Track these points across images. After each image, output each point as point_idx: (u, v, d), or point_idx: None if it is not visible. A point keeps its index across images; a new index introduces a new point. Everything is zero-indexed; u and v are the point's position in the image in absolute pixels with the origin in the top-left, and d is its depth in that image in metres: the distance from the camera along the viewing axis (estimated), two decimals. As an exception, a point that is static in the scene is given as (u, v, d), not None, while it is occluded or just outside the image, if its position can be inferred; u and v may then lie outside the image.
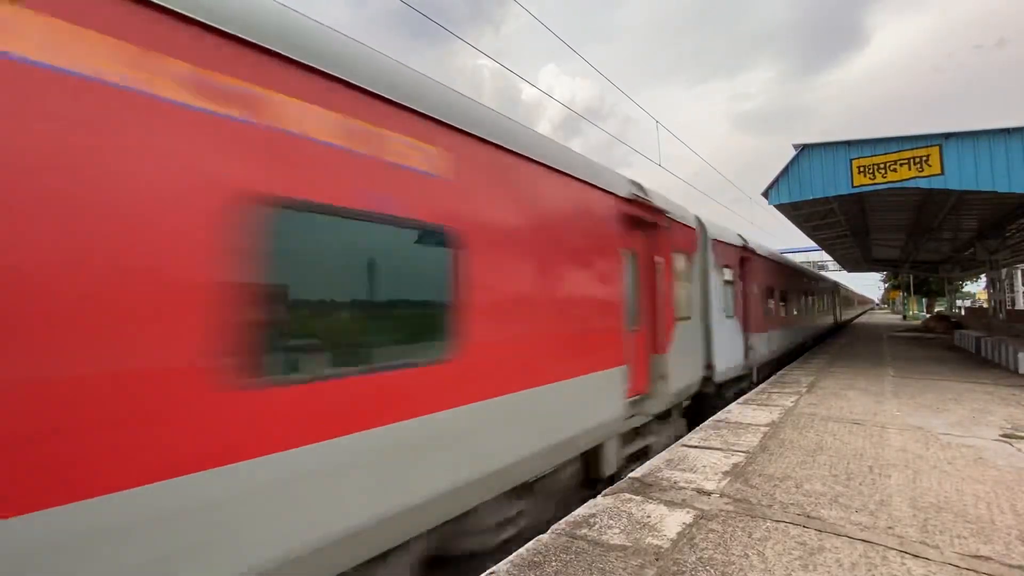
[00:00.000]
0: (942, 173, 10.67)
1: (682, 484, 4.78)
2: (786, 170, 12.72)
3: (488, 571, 3.29)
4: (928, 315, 45.07)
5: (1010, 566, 3.28)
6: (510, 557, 3.45)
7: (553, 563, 3.33)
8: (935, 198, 14.38)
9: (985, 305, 31.62)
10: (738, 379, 10.64)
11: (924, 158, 10.80)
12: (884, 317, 62.40)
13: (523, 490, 4.28)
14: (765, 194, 13.16)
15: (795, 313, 17.12)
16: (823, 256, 43.22)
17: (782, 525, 3.88)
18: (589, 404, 5.01)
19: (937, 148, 10.69)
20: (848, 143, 11.84)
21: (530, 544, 3.62)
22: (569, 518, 4.04)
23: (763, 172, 18.56)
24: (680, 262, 7.58)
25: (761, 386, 10.55)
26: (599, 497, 4.49)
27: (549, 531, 3.82)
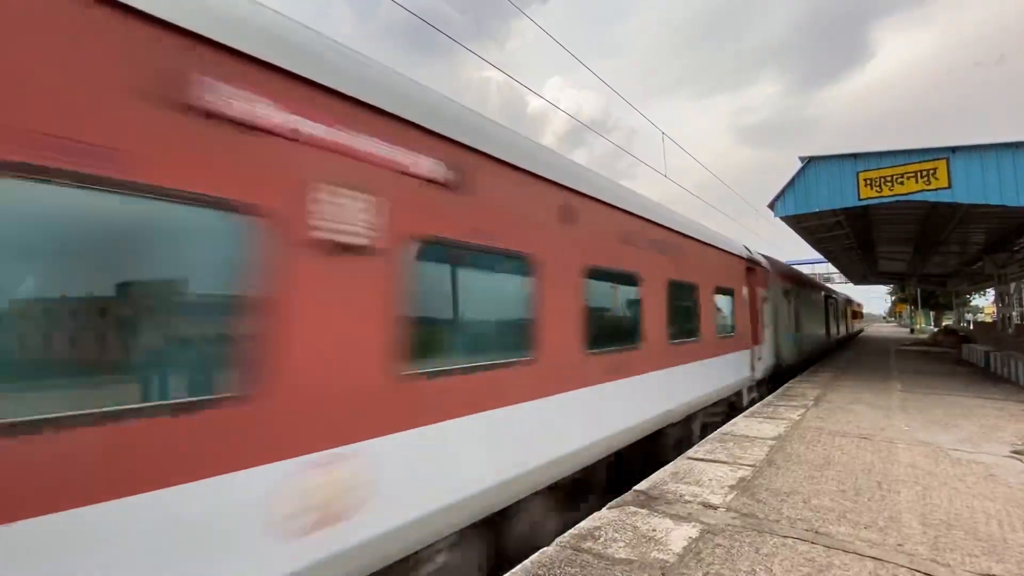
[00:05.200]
0: (949, 187, 10.64)
1: (688, 497, 4.73)
2: (792, 182, 12.72)
3: (492, 583, 3.26)
4: (936, 329, 44.68)
5: (1023, 586, 3.22)
6: (514, 569, 3.42)
7: (558, 576, 3.30)
8: (942, 211, 14.32)
9: (991, 319, 31.31)
10: None
11: (931, 171, 10.78)
12: (891, 331, 61.87)
13: None
14: (771, 206, 13.15)
15: None
16: (829, 268, 43.01)
17: (790, 541, 3.83)
18: None
19: (944, 161, 10.68)
20: (855, 156, 11.84)
21: (534, 556, 3.59)
22: (574, 531, 4.01)
23: (766, 184, 18.52)
24: None
25: (767, 399, 10.46)
26: (604, 510, 4.45)
27: (554, 543, 3.79)
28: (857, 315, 50.59)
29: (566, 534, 3.94)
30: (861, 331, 54.96)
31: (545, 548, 3.71)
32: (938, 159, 10.75)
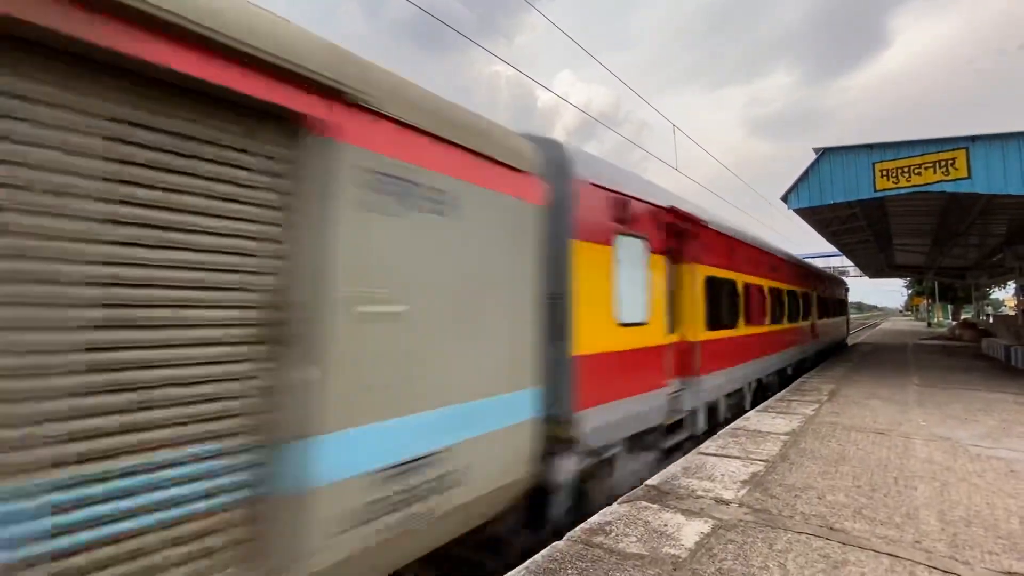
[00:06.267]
0: (969, 177, 10.40)
1: (700, 492, 4.70)
2: (806, 174, 12.53)
3: (503, 577, 3.27)
4: (954, 322, 43.88)
5: (1046, 584, 3.15)
6: (525, 563, 3.42)
7: (569, 570, 3.30)
8: (961, 202, 14.02)
9: (1013, 312, 30.66)
10: None
11: (950, 161, 10.54)
12: (907, 325, 60.82)
13: None
14: (784, 198, 12.98)
15: None
16: (844, 262, 42.32)
17: (804, 536, 3.79)
18: None
19: (964, 151, 10.43)
20: (870, 146, 11.62)
21: (545, 551, 3.59)
22: (584, 525, 4.00)
23: (780, 176, 18.33)
24: None
25: (781, 394, 10.35)
26: (615, 504, 4.44)
27: (565, 538, 3.79)
28: (830, 305, 20.28)
29: (577, 528, 3.94)
30: (842, 341, 24.41)
31: (556, 542, 3.72)
32: (957, 149, 10.50)
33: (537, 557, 3.50)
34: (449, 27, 6.50)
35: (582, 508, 4.69)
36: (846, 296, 26.28)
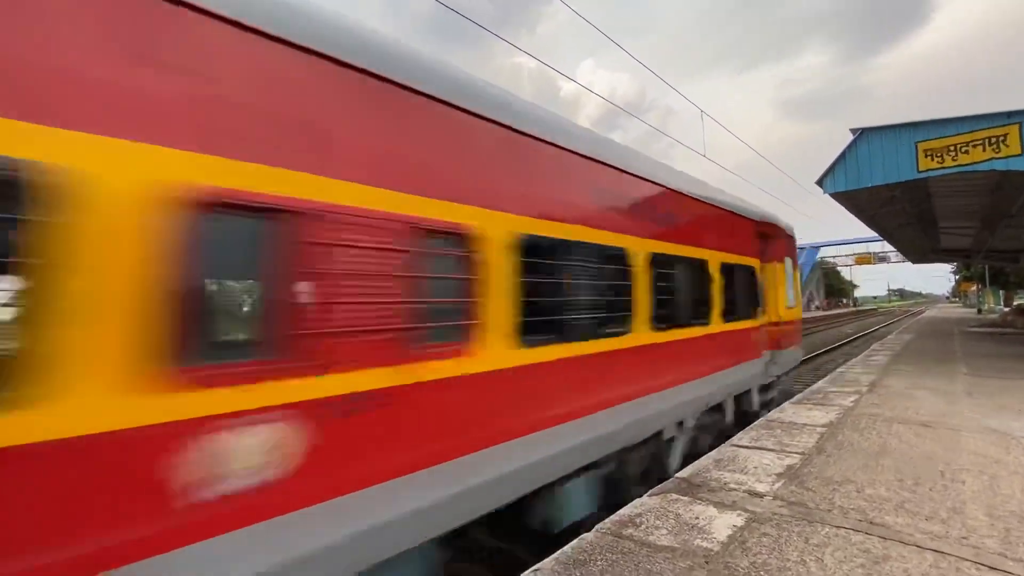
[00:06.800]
0: (1023, 153, 9.79)
1: (732, 485, 4.61)
2: (843, 156, 12.03)
3: (532, 568, 3.30)
4: (1006, 308, 41.55)
5: (1108, 584, 2.98)
6: (555, 554, 3.44)
7: (599, 562, 3.30)
8: (1013, 181, 13.20)
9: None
10: None
11: (1001, 138, 9.94)
12: (955, 312, 57.93)
13: None
14: (820, 183, 12.51)
15: None
16: (884, 247, 40.46)
17: (842, 531, 3.68)
18: None
19: (1016, 126, 9.82)
20: (913, 125, 11.06)
21: (575, 542, 3.60)
22: (614, 517, 3.99)
23: (813, 160, 17.62)
24: None
25: (817, 384, 10.05)
26: (645, 496, 4.41)
27: (594, 530, 3.79)
28: (680, 290, 6.12)
29: (607, 520, 3.93)
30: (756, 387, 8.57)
31: (585, 534, 3.72)
32: (1010, 124, 9.90)
33: (566, 548, 3.51)
34: (469, 20, 6.50)
35: None
36: (785, 258, 10.08)
